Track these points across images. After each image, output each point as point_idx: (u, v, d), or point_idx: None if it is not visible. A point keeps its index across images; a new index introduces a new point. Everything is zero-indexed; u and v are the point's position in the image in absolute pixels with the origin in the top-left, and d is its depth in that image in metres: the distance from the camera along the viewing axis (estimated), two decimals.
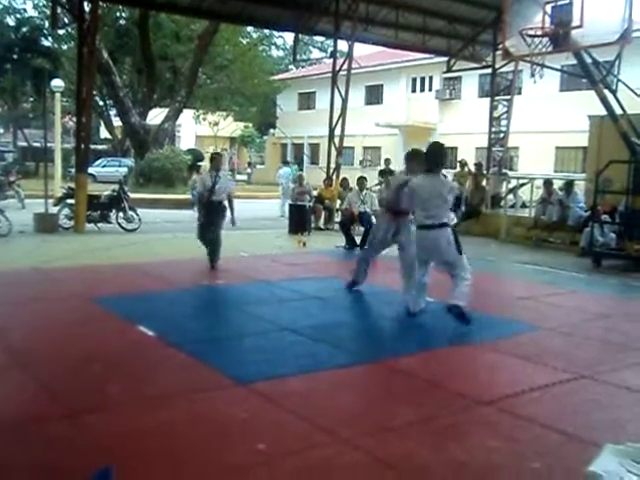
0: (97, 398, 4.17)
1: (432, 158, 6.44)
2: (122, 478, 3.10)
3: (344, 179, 16.54)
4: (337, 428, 3.81)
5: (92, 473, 3.00)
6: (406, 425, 3.94)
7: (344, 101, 16.76)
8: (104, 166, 33.87)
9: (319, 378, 4.72)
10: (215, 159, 9.76)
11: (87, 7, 13.94)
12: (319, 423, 3.89)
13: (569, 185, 13.85)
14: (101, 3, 17.43)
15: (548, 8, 11.68)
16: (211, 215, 9.33)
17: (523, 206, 16.37)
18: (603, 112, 12.47)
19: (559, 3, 11.48)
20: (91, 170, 30.00)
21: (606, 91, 12.03)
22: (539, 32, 11.70)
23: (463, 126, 29.68)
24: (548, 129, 26.18)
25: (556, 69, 14.13)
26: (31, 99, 37.26)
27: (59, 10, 15.75)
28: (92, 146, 36.70)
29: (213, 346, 5.45)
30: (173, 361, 5.01)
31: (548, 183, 14.19)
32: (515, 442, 3.77)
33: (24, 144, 40.30)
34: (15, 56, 32.20)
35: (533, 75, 11.86)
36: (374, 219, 10.82)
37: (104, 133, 41.39)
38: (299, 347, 5.50)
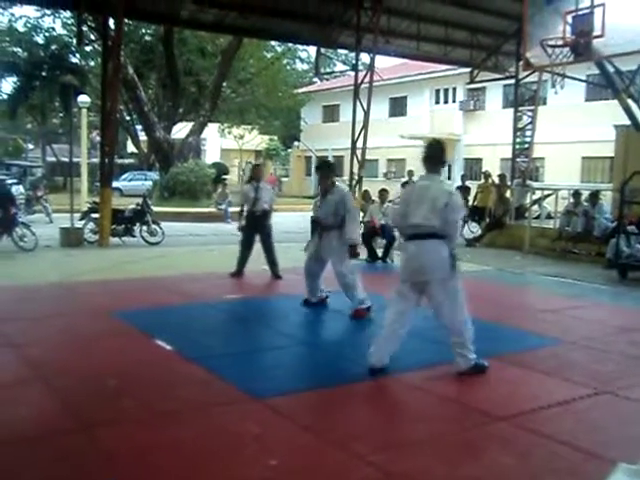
0: (112, 412, 4.20)
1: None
2: None
3: (365, 191, 16.49)
4: (350, 443, 3.78)
5: None
6: (420, 440, 3.90)
7: (366, 113, 16.78)
8: (130, 180, 34.35)
9: (333, 393, 4.69)
10: (256, 170, 10.36)
11: (112, 24, 14.19)
12: (332, 438, 3.87)
13: (594, 196, 13.66)
14: (126, 20, 17.75)
15: (569, 18, 11.61)
16: (255, 225, 9.64)
17: (548, 217, 16.20)
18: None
19: (580, 13, 11.40)
20: (118, 184, 30.47)
21: (630, 100, 11.89)
22: (560, 42, 11.63)
23: (488, 137, 29.53)
24: (574, 139, 25.92)
25: (578, 79, 14.04)
26: (60, 115, 37.87)
27: (85, 28, 16.03)
28: (119, 160, 37.42)
29: (230, 361, 5.46)
30: (189, 376, 5.02)
31: (577, 194, 14.03)
32: (531, 459, 3.70)
33: (53, 159, 40.95)
34: (44, 73, 32.77)
35: (554, 85, 11.79)
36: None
37: (131, 147, 41.93)
38: (315, 361, 5.48)
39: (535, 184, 19.74)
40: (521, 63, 16.66)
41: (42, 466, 3.45)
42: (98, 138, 31.86)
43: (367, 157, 17.88)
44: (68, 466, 3.45)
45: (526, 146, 19.40)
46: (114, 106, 14.52)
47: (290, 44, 32.14)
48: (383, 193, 12.87)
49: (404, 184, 16.36)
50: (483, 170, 20.73)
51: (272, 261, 9.73)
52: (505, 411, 4.39)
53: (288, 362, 5.47)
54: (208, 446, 3.73)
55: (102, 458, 3.55)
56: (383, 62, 32.85)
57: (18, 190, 18.76)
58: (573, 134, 25.90)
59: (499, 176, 17.46)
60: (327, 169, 7.61)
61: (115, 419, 4.10)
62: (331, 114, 39.99)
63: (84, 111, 19.52)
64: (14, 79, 34.26)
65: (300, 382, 4.92)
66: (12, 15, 32.67)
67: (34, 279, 9.16)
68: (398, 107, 36.09)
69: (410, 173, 18.46)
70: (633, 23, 11.17)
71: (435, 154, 5.29)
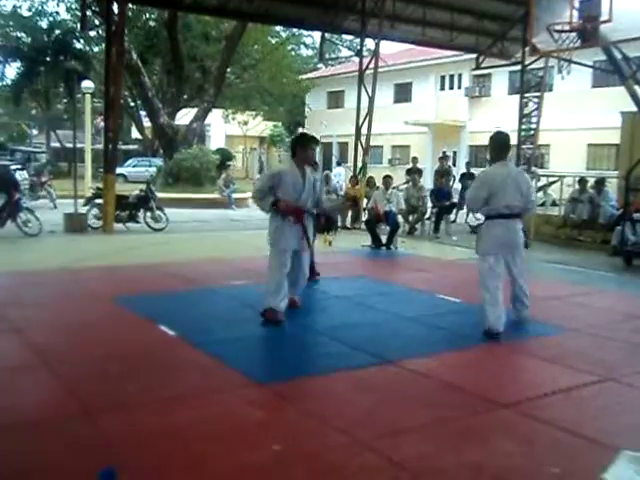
0: (115, 397, 4.21)
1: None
2: (137, 479, 3.14)
3: (370, 178, 16.48)
4: (353, 429, 3.78)
5: (97, 474, 3.03)
6: (422, 427, 3.90)
7: (371, 100, 16.69)
8: (135, 166, 34.32)
9: (337, 379, 4.69)
10: None
11: (116, 9, 14.12)
12: (335, 424, 3.87)
13: (600, 183, 13.61)
14: (130, 5, 17.67)
15: (576, 2, 11.49)
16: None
17: (553, 204, 16.14)
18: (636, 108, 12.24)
19: None
20: (122, 170, 30.42)
21: (637, 87, 11.79)
22: (567, 27, 11.52)
23: (493, 123, 29.17)
24: (580, 126, 25.79)
25: (584, 65, 13.91)
26: (64, 100, 37.81)
27: (89, 12, 15.97)
28: (123, 146, 37.35)
29: (234, 346, 5.45)
30: (193, 361, 5.03)
31: (582, 181, 13.97)
32: (534, 446, 3.69)
33: (57, 145, 40.92)
34: (48, 58, 32.70)
35: (561, 71, 11.68)
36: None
37: (135, 133, 41.87)
38: (319, 348, 5.48)
39: (540, 171, 19.66)
40: (527, 49, 16.54)
41: (44, 452, 3.45)
42: (102, 124, 31.84)
43: (372, 143, 17.78)
44: (70, 452, 3.45)
45: (531, 133, 19.24)
46: (118, 92, 14.45)
47: (295, 29, 31.98)
48: (387, 179, 12.80)
49: (409, 170, 16.34)
50: (488, 157, 20.62)
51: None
52: (508, 398, 4.38)
53: (291, 348, 5.47)
54: (211, 431, 3.73)
55: (104, 444, 3.54)
56: (388, 48, 32.63)
57: (22, 176, 18.72)
58: (579, 121, 25.76)
59: None
60: (316, 141, 6.55)
61: (118, 405, 4.10)
62: (336, 100, 39.84)
63: (88, 97, 19.49)
64: (18, 64, 34.22)
65: (303, 368, 4.92)
66: None
67: (38, 264, 9.18)
68: (403, 93, 35.93)
69: (414, 160, 18.38)
70: None
71: (504, 143, 6.16)
